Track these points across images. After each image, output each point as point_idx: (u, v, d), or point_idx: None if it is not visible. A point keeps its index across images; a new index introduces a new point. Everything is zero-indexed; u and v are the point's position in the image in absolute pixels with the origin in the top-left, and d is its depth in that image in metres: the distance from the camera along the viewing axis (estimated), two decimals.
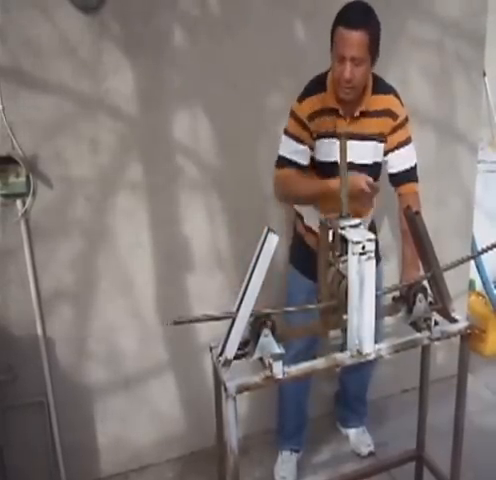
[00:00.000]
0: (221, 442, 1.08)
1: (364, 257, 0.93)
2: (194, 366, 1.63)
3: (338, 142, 1.23)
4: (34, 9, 1.29)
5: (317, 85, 1.29)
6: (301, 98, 1.30)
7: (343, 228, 0.98)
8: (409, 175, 1.37)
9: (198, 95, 1.48)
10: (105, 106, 1.40)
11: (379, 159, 1.35)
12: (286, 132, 1.31)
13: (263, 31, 1.48)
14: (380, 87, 1.31)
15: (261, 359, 0.96)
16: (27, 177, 1.36)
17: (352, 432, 1.73)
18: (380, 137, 1.31)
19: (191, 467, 1.67)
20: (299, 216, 1.47)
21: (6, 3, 1.26)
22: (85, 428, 1.59)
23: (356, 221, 0.99)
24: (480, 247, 1.44)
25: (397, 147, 1.33)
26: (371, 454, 1.66)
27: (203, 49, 1.45)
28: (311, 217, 1.40)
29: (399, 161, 1.36)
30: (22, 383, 1.47)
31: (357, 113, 1.28)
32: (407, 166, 1.36)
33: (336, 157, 1.27)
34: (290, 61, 1.52)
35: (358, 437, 1.71)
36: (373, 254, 0.95)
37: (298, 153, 1.30)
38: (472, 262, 2.07)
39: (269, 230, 0.92)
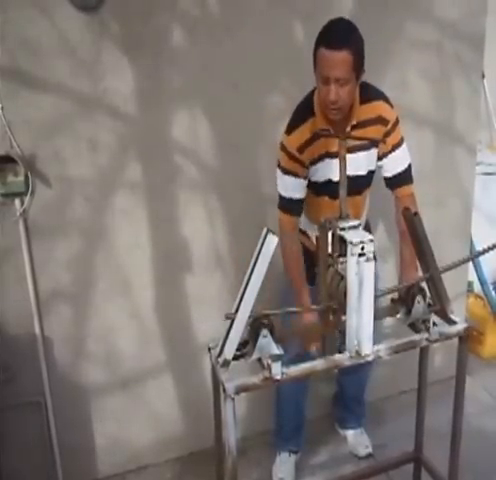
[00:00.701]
0: (219, 443, 1.08)
1: (363, 258, 0.93)
2: (192, 367, 1.63)
3: (331, 161, 1.24)
4: (33, 8, 1.28)
5: (304, 112, 1.25)
6: (289, 130, 1.26)
7: (342, 229, 0.98)
8: (404, 177, 1.37)
9: (197, 95, 1.48)
10: (104, 106, 1.40)
11: (373, 167, 1.34)
12: (279, 166, 1.30)
13: (263, 31, 1.48)
14: (368, 95, 1.27)
15: (260, 360, 0.96)
16: (25, 176, 1.36)
17: (350, 433, 1.73)
18: (373, 144, 1.30)
19: (189, 468, 1.66)
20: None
21: (5, 2, 1.26)
22: (83, 428, 1.59)
23: (355, 222, 0.99)
24: (478, 248, 1.44)
25: (391, 150, 1.32)
26: (369, 456, 1.66)
27: (203, 49, 1.45)
28: (306, 223, 1.41)
29: (394, 164, 1.35)
30: (20, 383, 1.46)
31: (348, 128, 1.25)
32: (402, 168, 1.36)
33: (329, 176, 1.29)
34: (290, 61, 1.52)
35: (356, 438, 1.71)
36: (372, 255, 0.95)
37: (295, 188, 1.29)
38: (470, 264, 2.08)
39: (268, 231, 0.92)
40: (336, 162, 1.14)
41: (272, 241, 0.91)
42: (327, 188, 1.29)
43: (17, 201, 1.38)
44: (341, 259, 0.99)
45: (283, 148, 1.27)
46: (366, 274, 0.94)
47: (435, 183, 1.84)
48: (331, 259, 1.01)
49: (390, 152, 1.32)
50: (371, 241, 0.94)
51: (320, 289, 1.07)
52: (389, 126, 1.29)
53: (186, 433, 1.71)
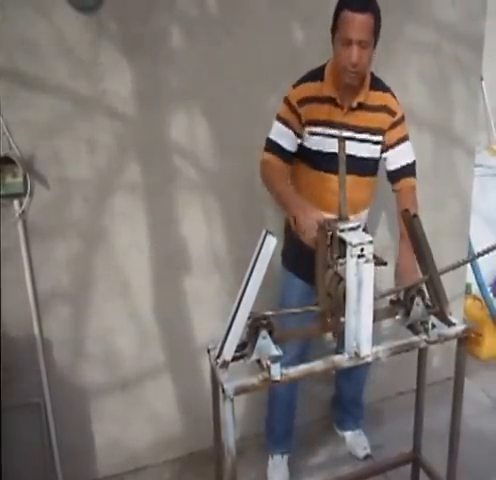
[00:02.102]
0: (218, 443, 1.08)
1: (362, 260, 0.94)
2: (192, 367, 1.63)
3: (331, 131, 1.24)
4: (31, 9, 1.28)
5: (315, 74, 1.30)
6: (296, 84, 1.31)
7: (342, 230, 0.98)
8: (407, 170, 1.37)
9: (196, 96, 1.48)
10: (102, 106, 1.40)
11: (375, 155, 1.34)
12: (277, 117, 1.32)
13: (262, 32, 1.48)
14: (378, 84, 1.32)
15: (259, 361, 0.96)
16: (24, 177, 1.36)
17: (349, 434, 1.73)
18: (378, 132, 1.31)
19: (188, 468, 1.66)
20: None
21: (2, 2, 1.26)
22: (82, 429, 1.59)
23: (355, 224, 0.99)
24: (477, 250, 1.45)
25: (397, 143, 1.34)
26: (368, 457, 1.66)
27: (201, 50, 1.45)
28: None
29: (398, 158, 1.36)
30: (19, 384, 1.46)
31: (355, 104, 1.28)
32: (406, 162, 1.37)
33: (329, 148, 1.28)
34: (288, 62, 1.52)
35: (355, 439, 1.71)
36: (372, 257, 0.95)
37: (283, 137, 1.30)
38: (469, 265, 2.08)
39: (267, 232, 0.92)
40: (332, 132, 1.19)
41: (271, 242, 0.91)
42: (327, 162, 1.27)
43: (16, 202, 1.38)
44: (340, 260, 0.99)
45: (285, 100, 1.31)
46: (365, 276, 0.94)
47: (434, 185, 1.85)
48: (330, 260, 1.02)
49: (395, 145, 1.33)
50: (370, 243, 0.94)
51: (319, 290, 1.07)
52: (396, 118, 1.32)
53: (185, 434, 1.71)
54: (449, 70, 1.76)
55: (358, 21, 1.17)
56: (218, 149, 1.53)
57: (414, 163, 1.39)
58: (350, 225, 0.99)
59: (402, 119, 1.35)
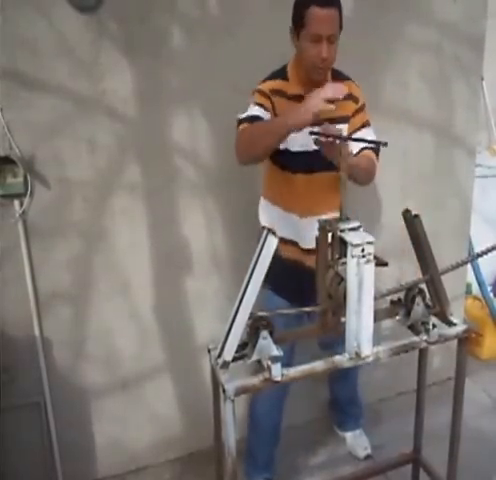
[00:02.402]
0: (219, 444, 1.07)
1: (363, 260, 0.94)
2: (192, 367, 1.63)
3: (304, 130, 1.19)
4: (31, 9, 1.28)
5: (278, 74, 1.28)
6: (263, 81, 1.29)
7: (343, 231, 0.98)
8: (368, 148, 1.31)
9: (196, 96, 1.48)
10: (103, 107, 1.40)
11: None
12: (253, 103, 1.26)
13: (262, 32, 1.48)
14: (339, 75, 1.31)
15: (259, 361, 0.96)
16: (25, 177, 1.36)
17: (349, 435, 1.73)
18: (344, 121, 1.30)
19: (189, 468, 1.66)
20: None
21: (3, 3, 1.26)
22: (82, 429, 1.59)
23: (356, 224, 0.99)
24: (477, 250, 1.45)
25: (359, 128, 1.32)
26: (368, 457, 1.65)
27: (202, 50, 1.45)
28: (284, 227, 1.31)
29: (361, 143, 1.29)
30: (19, 384, 1.46)
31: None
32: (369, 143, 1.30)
33: (297, 147, 1.24)
34: None
35: (355, 440, 1.71)
36: (372, 257, 0.95)
37: (260, 113, 1.23)
38: (469, 265, 2.08)
39: (269, 232, 0.92)
40: (307, 131, 1.16)
41: (272, 242, 0.91)
42: (301, 161, 1.25)
43: (16, 202, 1.38)
44: (341, 260, 0.99)
45: (257, 90, 1.27)
46: (366, 276, 0.94)
47: (434, 185, 1.85)
48: (331, 261, 1.01)
49: (357, 130, 1.31)
50: (371, 243, 0.94)
51: (319, 290, 1.07)
52: (359, 104, 1.31)
53: (186, 434, 1.71)
54: (450, 70, 1.75)
55: (327, 16, 1.15)
56: (218, 149, 1.53)
57: (378, 147, 1.32)
58: (351, 225, 0.98)
59: (364, 106, 1.33)
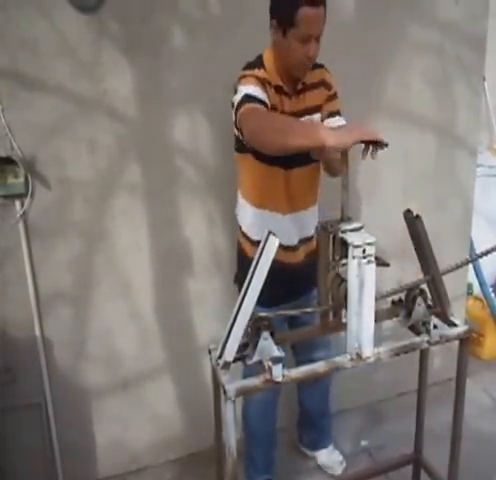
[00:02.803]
0: (219, 444, 1.07)
1: (364, 261, 0.93)
2: (193, 367, 1.63)
3: None
4: (32, 9, 1.28)
5: (255, 65, 1.22)
6: (249, 67, 1.21)
7: (343, 231, 0.98)
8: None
9: (197, 96, 1.48)
10: (103, 107, 1.40)
11: None
12: (249, 83, 1.16)
13: (263, 32, 1.47)
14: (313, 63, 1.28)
15: (260, 362, 0.96)
16: (25, 178, 1.36)
17: (323, 453, 1.64)
18: (318, 110, 1.28)
19: (189, 469, 1.66)
20: (247, 238, 1.31)
21: (4, 3, 1.26)
22: (83, 429, 1.59)
23: (357, 224, 0.99)
24: (478, 251, 1.44)
25: (328, 116, 1.29)
26: (345, 471, 1.59)
27: (203, 50, 1.45)
28: (265, 227, 1.19)
29: (332, 123, 1.28)
30: (20, 384, 1.46)
31: (300, 86, 1.24)
32: (337, 124, 1.28)
33: None
34: None
35: (329, 457, 1.63)
36: (373, 258, 0.95)
37: (261, 94, 1.14)
38: (470, 266, 2.08)
39: (269, 233, 0.92)
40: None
41: (273, 243, 0.91)
42: (289, 158, 1.18)
43: (17, 203, 1.38)
44: (342, 261, 0.99)
45: (250, 75, 1.18)
46: (367, 277, 0.94)
47: (435, 185, 1.84)
48: (332, 262, 1.01)
49: (327, 117, 1.28)
50: (372, 244, 0.94)
51: (320, 291, 1.07)
52: (331, 91, 1.29)
53: (186, 434, 1.71)
54: (451, 70, 1.75)
55: (318, 16, 1.12)
56: (219, 149, 1.52)
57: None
58: (352, 226, 0.98)
59: (335, 95, 1.29)
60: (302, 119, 1.25)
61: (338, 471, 1.61)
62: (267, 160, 1.23)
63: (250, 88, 1.15)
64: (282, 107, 1.24)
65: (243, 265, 1.32)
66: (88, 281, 1.50)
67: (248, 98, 1.13)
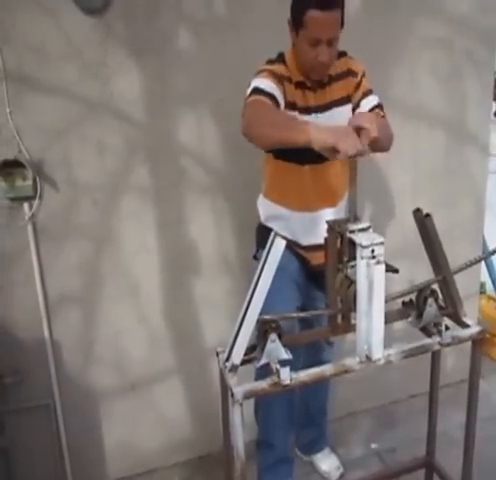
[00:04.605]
0: (228, 447, 1.06)
1: (373, 261, 0.92)
2: (201, 370, 1.62)
3: (305, 117, 1.15)
4: (39, 12, 1.29)
5: (275, 61, 1.21)
6: (270, 62, 1.20)
7: (352, 232, 0.96)
8: (376, 106, 1.25)
9: (204, 97, 1.47)
10: (110, 109, 1.40)
11: None
12: (263, 76, 1.15)
13: (270, 32, 1.46)
14: (339, 53, 1.25)
15: (268, 365, 0.94)
16: (34, 180, 1.36)
17: (318, 457, 1.61)
18: (347, 100, 1.26)
19: (198, 472, 1.66)
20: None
21: (11, 6, 1.27)
22: (92, 431, 1.59)
23: (365, 224, 0.97)
24: (491, 248, 1.41)
25: (362, 97, 1.25)
26: (341, 476, 1.57)
27: (209, 50, 1.44)
28: (294, 228, 1.28)
29: (364, 107, 1.25)
30: (29, 386, 1.47)
31: (326, 79, 1.22)
32: (372, 104, 1.26)
33: None
34: None
35: (326, 461, 1.60)
36: (383, 258, 0.93)
37: (276, 92, 1.13)
38: (483, 264, 2.04)
39: (276, 234, 0.90)
40: (307, 118, 1.12)
41: (280, 244, 0.89)
42: (296, 150, 1.14)
43: (26, 205, 1.39)
44: (350, 263, 0.97)
45: (266, 69, 1.17)
46: (376, 277, 0.92)
47: (447, 183, 1.81)
48: (340, 264, 1.00)
49: (362, 99, 1.25)
50: (381, 244, 0.92)
51: (329, 294, 1.05)
52: (358, 77, 1.26)
53: (195, 437, 1.70)
54: (461, 65, 1.72)
55: (327, 20, 1.08)
56: (226, 150, 1.52)
57: (381, 105, 1.26)
58: (360, 226, 0.96)
59: (364, 75, 1.26)
60: (330, 112, 1.22)
61: (335, 477, 1.58)
62: (284, 156, 1.23)
63: (262, 82, 1.14)
64: (306, 102, 1.22)
65: (261, 240, 1.32)
66: (96, 283, 1.50)
67: (255, 91, 1.12)
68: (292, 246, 1.29)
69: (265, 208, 1.36)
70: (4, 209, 1.37)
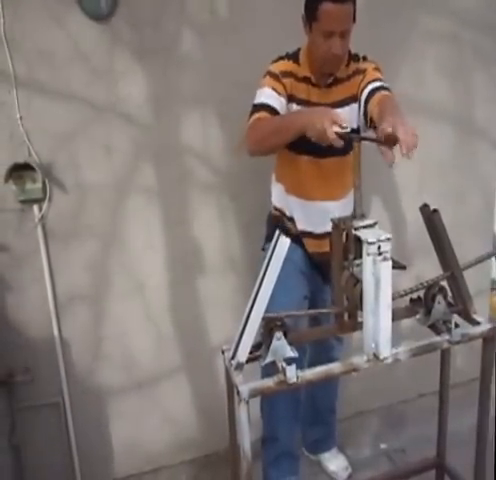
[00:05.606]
0: (234, 446, 1.06)
1: (379, 258, 0.91)
2: (208, 368, 1.63)
3: None
4: (48, 19, 1.31)
5: (291, 56, 1.28)
6: (275, 60, 1.29)
7: (357, 228, 0.95)
8: (382, 88, 1.23)
9: (209, 99, 1.48)
10: (118, 112, 1.42)
11: (355, 124, 1.27)
12: (264, 86, 1.25)
13: (273, 33, 1.47)
14: (354, 58, 1.27)
15: (274, 363, 0.94)
16: (43, 183, 1.39)
17: (326, 456, 1.60)
18: (353, 99, 1.26)
19: (205, 470, 1.66)
20: (289, 219, 1.36)
21: (20, 14, 1.29)
22: (100, 429, 1.61)
23: (371, 221, 0.96)
24: None
25: (368, 83, 1.23)
26: (350, 477, 1.56)
27: (212, 52, 1.45)
28: (303, 217, 1.32)
29: (371, 87, 1.23)
30: (38, 384, 1.49)
31: (331, 80, 1.25)
32: (378, 84, 1.23)
33: None
34: None
35: (333, 461, 1.59)
36: (389, 255, 0.92)
37: (274, 100, 1.21)
38: (494, 259, 2.00)
39: (280, 233, 0.90)
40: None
41: (285, 243, 0.89)
42: (306, 144, 1.16)
43: (35, 207, 1.41)
44: (356, 261, 0.96)
45: (268, 72, 1.26)
46: (383, 274, 0.91)
47: (456, 178, 1.79)
48: (346, 262, 0.99)
49: (367, 85, 1.23)
50: (388, 240, 0.91)
51: (335, 292, 1.04)
52: (366, 73, 1.26)
53: (201, 435, 1.70)
54: (468, 60, 1.69)
55: (341, 13, 1.12)
56: (231, 149, 1.52)
57: (388, 88, 1.23)
58: (366, 223, 0.96)
59: (374, 69, 1.25)
60: (340, 110, 1.22)
61: (343, 477, 1.57)
62: (295, 150, 1.26)
63: (262, 93, 1.23)
64: (308, 96, 1.25)
65: (271, 231, 1.35)
66: (104, 282, 1.52)
67: (256, 107, 1.22)
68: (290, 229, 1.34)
69: (272, 184, 1.43)
70: (15, 212, 1.39)
